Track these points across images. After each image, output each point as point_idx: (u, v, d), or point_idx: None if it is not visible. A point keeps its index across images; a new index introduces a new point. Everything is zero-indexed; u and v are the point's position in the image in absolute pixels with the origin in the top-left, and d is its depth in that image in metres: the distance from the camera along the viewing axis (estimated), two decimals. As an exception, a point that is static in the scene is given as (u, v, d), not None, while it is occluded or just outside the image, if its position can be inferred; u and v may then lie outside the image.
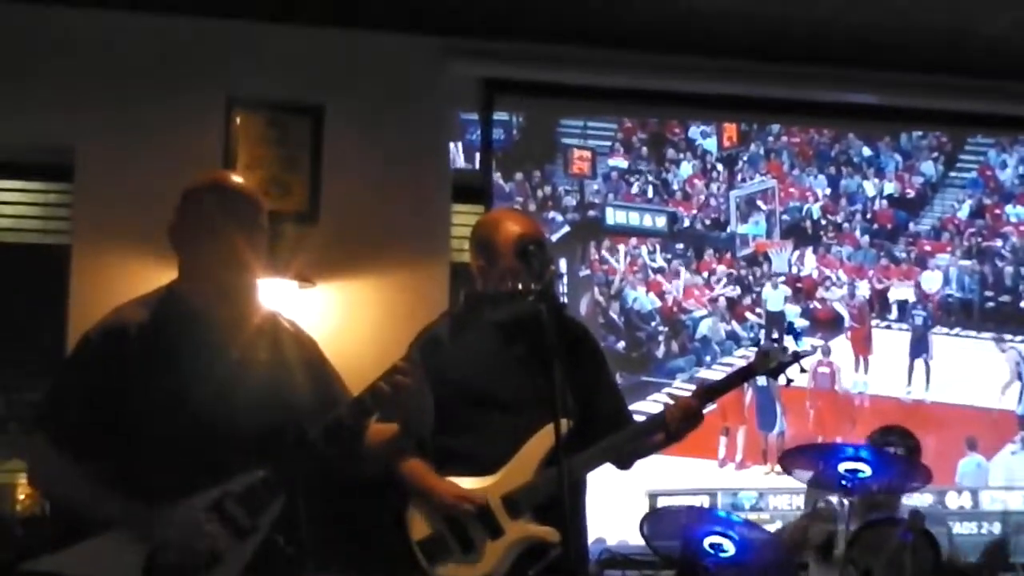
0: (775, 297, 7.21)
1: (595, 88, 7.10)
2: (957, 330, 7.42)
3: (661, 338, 7.08)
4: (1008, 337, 7.47)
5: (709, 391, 4.68)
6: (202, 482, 3.66)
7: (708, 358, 7.09)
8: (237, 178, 4.16)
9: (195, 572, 3.60)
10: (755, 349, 4.69)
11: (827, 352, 7.26)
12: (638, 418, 4.80)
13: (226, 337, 3.82)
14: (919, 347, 7.36)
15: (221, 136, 6.53)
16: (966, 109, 7.44)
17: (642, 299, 7.10)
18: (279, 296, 6.01)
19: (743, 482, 6.99)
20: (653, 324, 7.10)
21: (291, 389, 3.88)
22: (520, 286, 4.28)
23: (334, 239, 6.57)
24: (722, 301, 7.17)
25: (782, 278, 7.25)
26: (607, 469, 4.59)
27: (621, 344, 7.01)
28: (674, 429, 4.49)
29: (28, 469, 3.99)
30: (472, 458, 4.41)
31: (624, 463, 4.64)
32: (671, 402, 4.59)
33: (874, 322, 7.34)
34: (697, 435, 4.65)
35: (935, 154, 7.58)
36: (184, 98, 6.51)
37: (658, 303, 7.11)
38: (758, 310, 7.19)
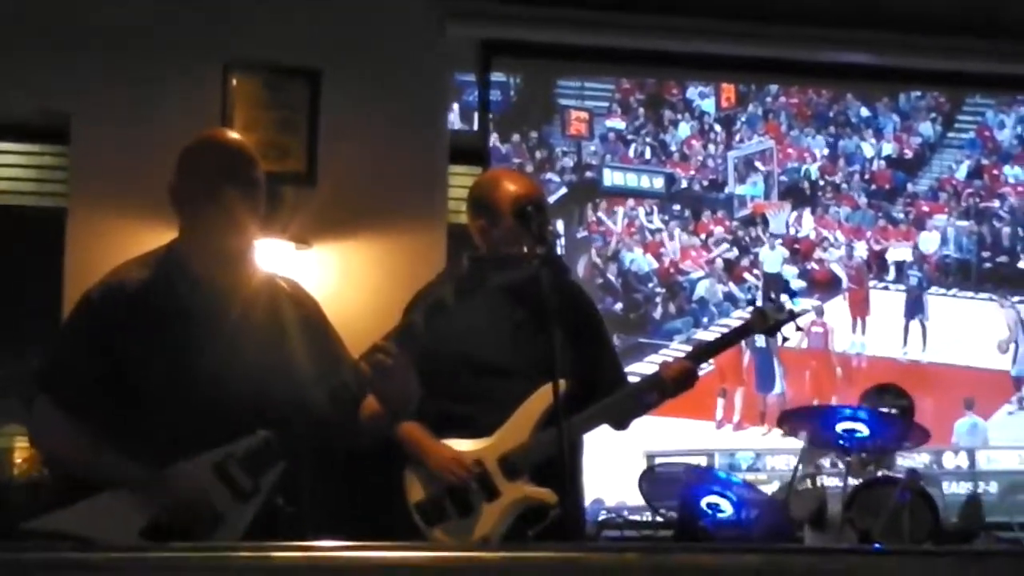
0: (772, 258, 7.21)
1: (592, 49, 7.08)
2: (955, 291, 7.42)
3: (658, 299, 7.09)
4: (1008, 297, 7.46)
5: (706, 350, 4.71)
6: (204, 444, 3.66)
7: (705, 319, 7.09)
8: (235, 135, 4.17)
9: (197, 533, 3.60)
10: (751, 308, 4.72)
11: (820, 312, 7.26)
12: (633, 380, 4.82)
13: (226, 299, 3.81)
14: (915, 307, 7.36)
15: (218, 99, 6.51)
16: (964, 69, 7.41)
17: (639, 261, 7.10)
18: (276, 257, 6.01)
19: (740, 443, 7.00)
20: (650, 286, 7.10)
21: (290, 351, 3.86)
22: (525, 249, 4.29)
23: (331, 201, 6.55)
24: (719, 262, 7.17)
25: (780, 239, 7.25)
26: (605, 430, 4.60)
27: (618, 306, 7.01)
28: (670, 388, 4.50)
29: (31, 431, 3.98)
30: (472, 423, 4.43)
31: (620, 423, 4.65)
32: (662, 365, 4.60)
33: (872, 283, 7.33)
34: (694, 395, 4.68)
35: (933, 115, 7.57)
36: (180, 60, 6.49)
37: (655, 264, 7.12)
38: (755, 271, 7.19)
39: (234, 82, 6.56)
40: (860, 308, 7.32)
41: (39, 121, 6.60)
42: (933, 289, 7.39)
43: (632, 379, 4.81)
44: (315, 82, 6.63)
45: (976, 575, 2.78)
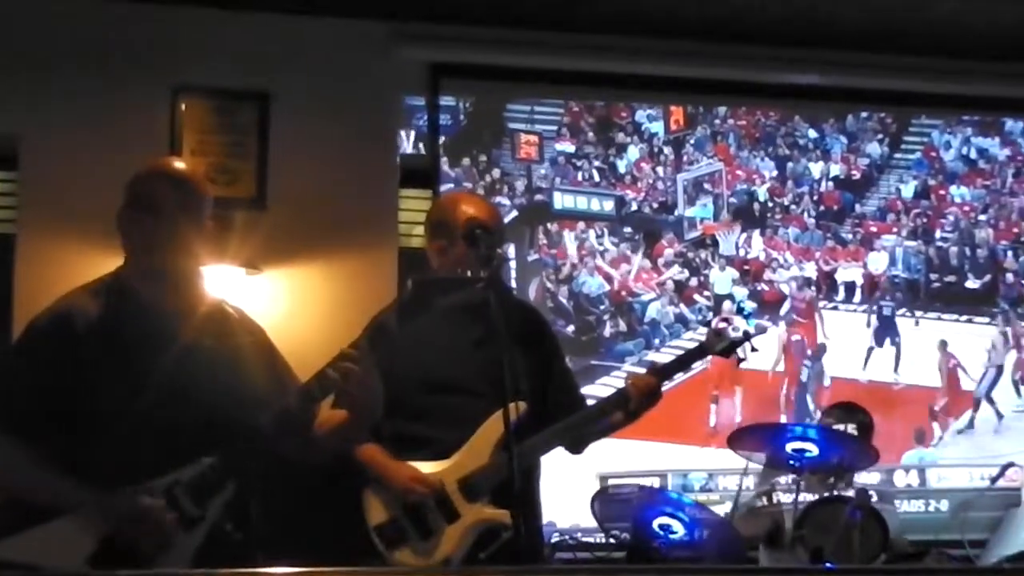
0: (723, 279, 7.23)
1: (541, 71, 7.10)
2: (903, 311, 7.46)
3: (610, 321, 7.10)
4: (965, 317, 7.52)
5: (665, 370, 4.72)
6: (152, 470, 3.66)
7: (657, 341, 7.10)
8: (181, 164, 4.22)
9: (144, 559, 3.59)
10: (707, 329, 4.76)
11: (790, 323, 7.32)
12: (590, 402, 4.83)
13: (173, 324, 3.82)
14: (886, 330, 7.40)
15: (167, 123, 6.49)
16: (910, 89, 7.47)
17: (591, 283, 7.11)
18: (226, 283, 5.99)
19: (693, 463, 7.01)
20: (602, 308, 7.11)
21: (239, 377, 3.87)
22: (468, 272, 4.30)
23: (281, 226, 6.54)
24: (670, 284, 7.19)
25: (730, 261, 7.27)
26: (559, 453, 4.61)
27: (570, 328, 7.02)
28: (634, 407, 4.52)
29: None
30: (429, 444, 4.44)
31: (577, 446, 4.67)
32: (628, 382, 4.63)
33: (822, 303, 7.36)
34: (647, 417, 4.69)
35: (880, 135, 7.62)
36: (130, 85, 6.46)
37: (607, 287, 7.12)
38: (706, 293, 7.21)
39: (183, 106, 6.54)
40: (811, 339, 7.34)
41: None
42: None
43: (588, 402, 4.83)
44: (264, 106, 6.62)
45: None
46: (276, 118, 6.63)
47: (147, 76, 6.49)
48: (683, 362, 4.84)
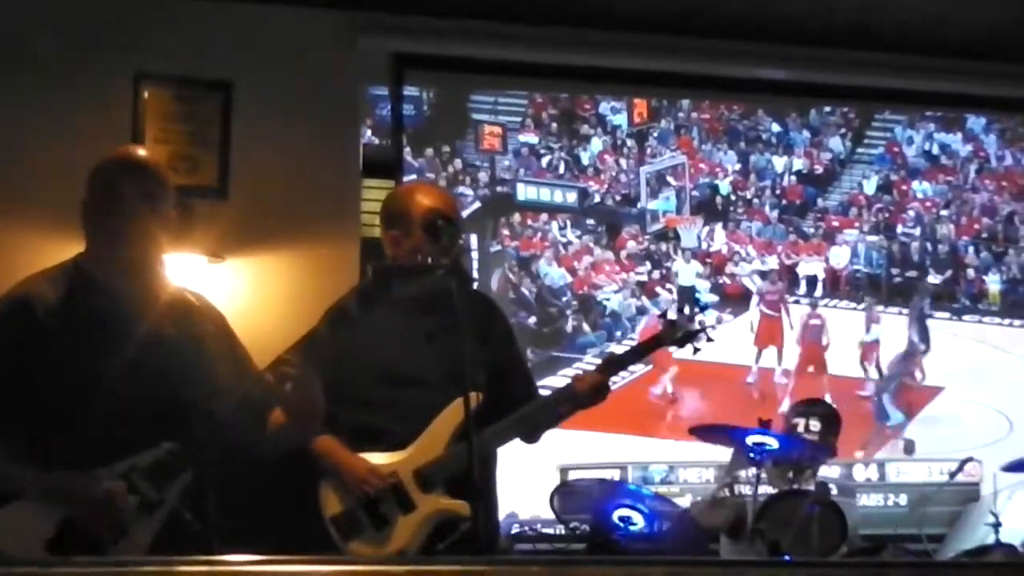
0: (686, 272, 7.25)
1: (505, 63, 7.09)
2: (864, 304, 7.49)
3: (571, 313, 7.10)
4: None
5: (617, 362, 4.73)
6: (110, 455, 3.66)
7: (619, 333, 7.11)
8: (142, 152, 4.24)
9: (103, 543, 3.58)
10: (662, 320, 4.76)
11: (814, 305, 7.39)
12: (546, 392, 4.84)
13: (133, 311, 3.82)
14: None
15: (129, 110, 6.46)
16: (873, 84, 7.49)
17: (553, 275, 7.11)
18: (188, 271, 5.97)
19: (653, 455, 7.02)
20: (564, 299, 7.12)
21: (199, 363, 3.88)
22: (429, 261, 4.30)
23: (244, 214, 6.52)
24: (632, 277, 7.20)
25: (692, 254, 7.29)
26: (518, 444, 4.62)
27: (532, 320, 7.02)
28: (582, 400, 4.53)
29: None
30: (386, 435, 4.44)
31: (532, 436, 4.66)
32: (574, 378, 4.64)
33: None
34: (605, 408, 4.69)
35: (843, 130, 7.64)
36: (91, 71, 6.43)
37: (569, 279, 7.13)
38: (668, 285, 7.22)
39: (146, 94, 6.51)
40: (777, 339, 7.37)
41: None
42: (844, 303, 7.46)
43: (544, 392, 4.83)
44: (227, 95, 6.60)
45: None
46: (238, 107, 6.61)
47: (109, 64, 6.46)
48: (637, 353, 4.86)
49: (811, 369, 7.34)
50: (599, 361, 4.99)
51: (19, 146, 6.35)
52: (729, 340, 6.96)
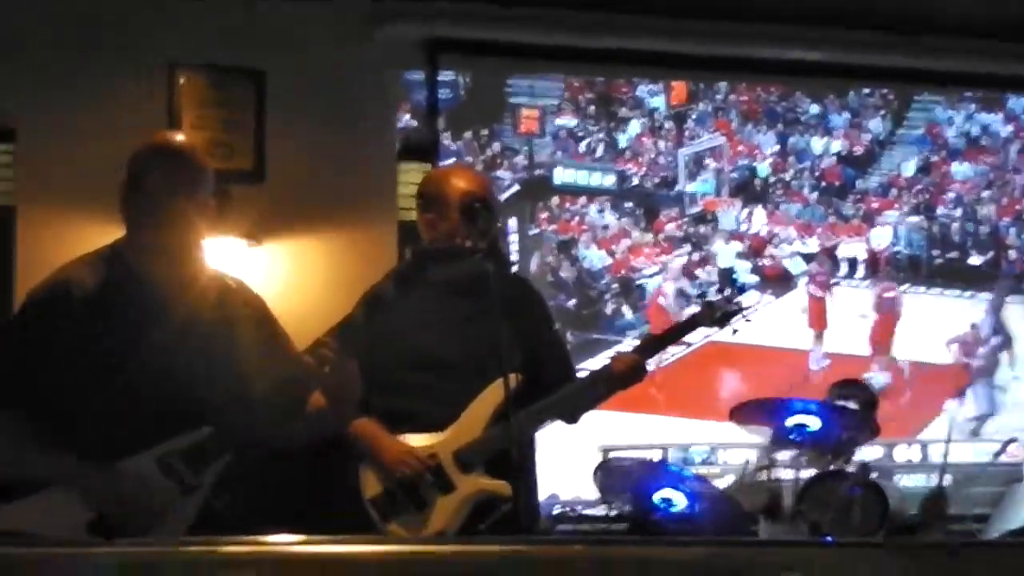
0: (726, 253, 7.22)
1: (540, 47, 7.08)
2: (906, 286, 7.46)
3: (611, 296, 7.09)
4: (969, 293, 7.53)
5: (655, 344, 4.71)
6: (147, 440, 3.66)
7: (658, 315, 7.11)
8: (180, 138, 4.22)
9: (142, 527, 3.59)
10: (701, 301, 4.74)
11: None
12: (583, 375, 4.83)
13: (170, 297, 3.82)
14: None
15: (164, 97, 6.48)
16: (912, 66, 7.45)
17: (592, 257, 7.11)
18: (227, 255, 5.98)
19: (694, 437, 7.01)
20: (603, 282, 7.11)
21: (237, 348, 3.87)
22: (467, 244, 4.29)
23: (281, 199, 6.54)
24: (671, 259, 7.18)
25: (731, 236, 7.26)
26: (560, 426, 4.61)
27: (572, 302, 7.02)
28: (619, 382, 4.52)
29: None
30: (422, 419, 4.42)
31: (571, 417, 4.65)
32: (612, 359, 4.63)
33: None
34: (644, 389, 4.69)
35: (882, 111, 7.61)
36: (127, 58, 6.44)
37: (608, 261, 7.12)
38: (707, 268, 7.20)
39: (181, 80, 6.53)
40: (819, 321, 7.34)
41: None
42: (884, 285, 7.43)
43: (583, 375, 4.82)
44: (260, 82, 6.61)
45: (921, 567, 2.79)
46: (272, 92, 6.62)
47: (144, 51, 6.47)
48: (674, 335, 4.83)
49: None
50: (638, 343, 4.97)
51: (56, 132, 6.38)
52: (771, 322, 6.95)
